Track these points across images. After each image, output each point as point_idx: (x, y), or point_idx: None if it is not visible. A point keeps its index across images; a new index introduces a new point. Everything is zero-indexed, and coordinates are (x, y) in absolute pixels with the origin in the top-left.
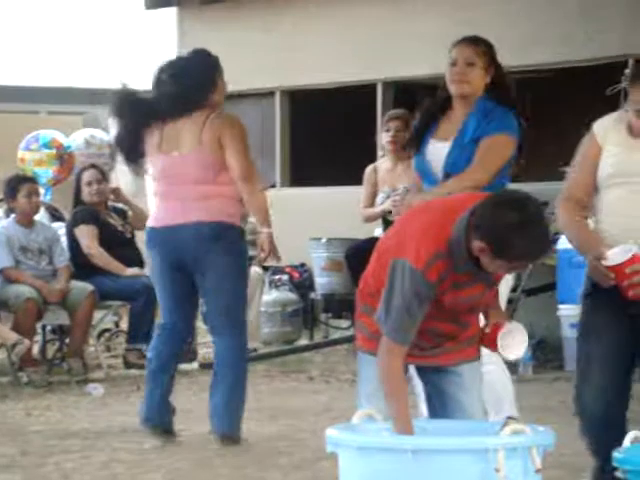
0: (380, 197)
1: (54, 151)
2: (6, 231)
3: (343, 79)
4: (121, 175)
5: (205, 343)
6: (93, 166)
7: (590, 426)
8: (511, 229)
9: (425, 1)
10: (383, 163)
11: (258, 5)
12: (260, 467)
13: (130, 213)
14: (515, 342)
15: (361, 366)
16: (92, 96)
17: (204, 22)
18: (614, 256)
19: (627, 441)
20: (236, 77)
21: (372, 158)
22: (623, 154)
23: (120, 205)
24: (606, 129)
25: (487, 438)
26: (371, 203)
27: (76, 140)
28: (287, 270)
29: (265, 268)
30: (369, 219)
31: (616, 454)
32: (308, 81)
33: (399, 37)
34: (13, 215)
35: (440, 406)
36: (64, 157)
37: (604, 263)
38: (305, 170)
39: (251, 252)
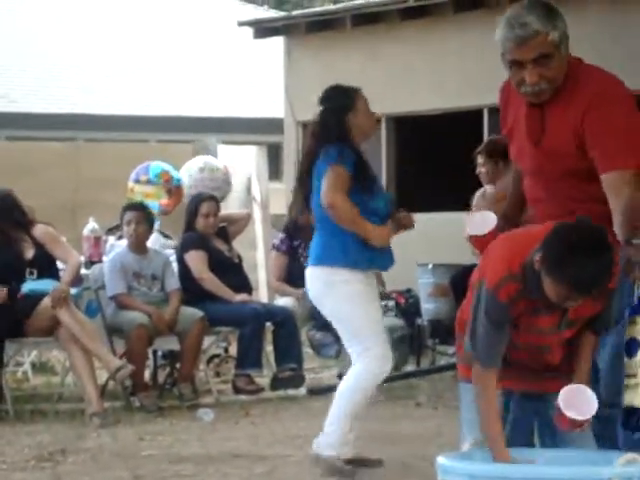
0: None
1: (162, 184)
2: (120, 258)
3: (448, 105)
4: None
5: (312, 369)
6: (212, 197)
7: None
8: (570, 248)
9: None
10: (492, 187)
11: (361, 32)
12: None
13: (231, 228)
14: (580, 403)
15: (462, 394)
16: (202, 124)
17: (310, 50)
18: (474, 225)
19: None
20: None
21: (479, 183)
22: None
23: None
24: None
25: (602, 468)
26: None
27: (192, 167)
28: (393, 296)
29: None
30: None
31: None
32: (413, 107)
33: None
34: (126, 242)
35: (549, 436)
36: (172, 190)
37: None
38: (411, 196)
39: None
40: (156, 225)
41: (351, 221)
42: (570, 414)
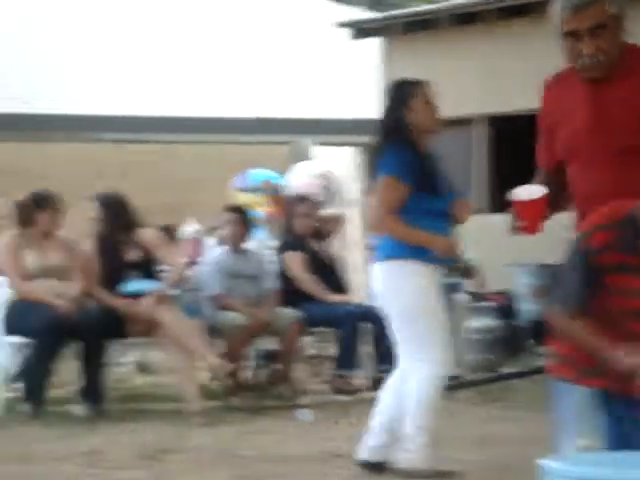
0: None
1: (265, 192)
2: (219, 258)
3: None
4: None
5: None
6: (308, 199)
7: None
8: None
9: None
10: None
11: (457, 32)
12: None
13: (326, 229)
14: None
15: (557, 395)
16: (298, 126)
17: (407, 51)
18: (521, 192)
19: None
20: (439, 104)
21: None
22: None
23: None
24: None
25: None
26: None
27: (296, 171)
28: (491, 297)
29: (470, 295)
30: None
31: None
32: (509, 107)
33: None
34: (225, 244)
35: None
36: (274, 197)
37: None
38: (503, 195)
39: (456, 280)
40: (261, 234)
41: (407, 239)
42: None
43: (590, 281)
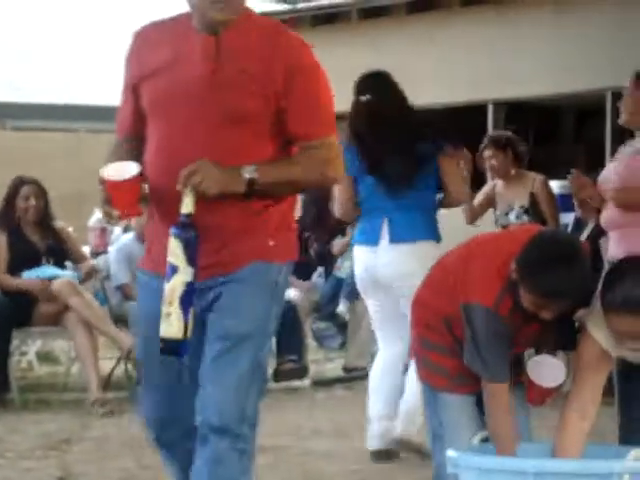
0: (499, 213)
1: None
2: (126, 248)
3: (454, 100)
4: None
5: (317, 360)
6: None
7: None
8: (544, 256)
9: (532, 21)
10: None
11: (366, 26)
12: None
13: None
14: (549, 372)
15: (446, 409)
16: None
17: (315, 44)
18: (113, 170)
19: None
20: (345, 98)
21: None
22: None
23: None
24: None
25: (613, 462)
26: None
27: None
28: None
29: None
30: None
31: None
32: (420, 102)
33: (509, 57)
34: (132, 232)
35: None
36: None
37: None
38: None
39: None
40: None
41: None
42: (541, 383)
43: (509, 344)
